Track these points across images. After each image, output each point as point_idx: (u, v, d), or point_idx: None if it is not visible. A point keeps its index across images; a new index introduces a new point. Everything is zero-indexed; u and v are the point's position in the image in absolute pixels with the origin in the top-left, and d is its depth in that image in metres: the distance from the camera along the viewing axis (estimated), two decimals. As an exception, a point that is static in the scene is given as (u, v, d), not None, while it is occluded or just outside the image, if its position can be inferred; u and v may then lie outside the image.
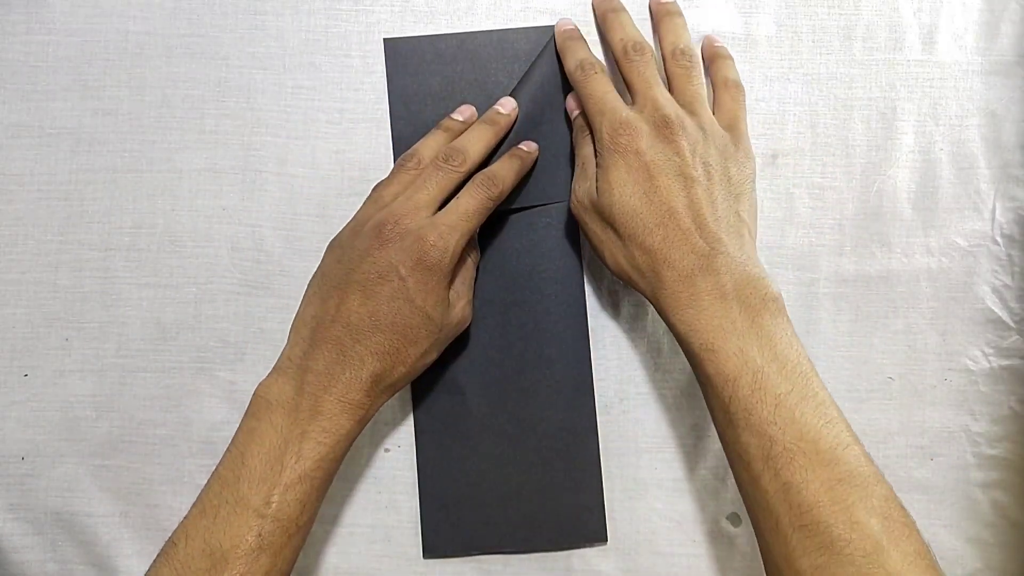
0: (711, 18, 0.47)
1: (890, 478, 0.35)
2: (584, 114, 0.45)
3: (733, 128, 0.44)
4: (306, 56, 0.47)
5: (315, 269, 0.42)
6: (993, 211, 0.47)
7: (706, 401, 0.40)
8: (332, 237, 0.42)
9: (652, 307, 0.46)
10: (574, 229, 0.46)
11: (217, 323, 0.46)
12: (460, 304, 0.42)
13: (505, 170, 0.43)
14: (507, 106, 0.45)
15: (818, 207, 0.47)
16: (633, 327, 0.47)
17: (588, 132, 0.44)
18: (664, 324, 0.46)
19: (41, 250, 0.46)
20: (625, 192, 0.40)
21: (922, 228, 0.47)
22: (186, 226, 0.46)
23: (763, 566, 0.37)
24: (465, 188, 0.42)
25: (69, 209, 0.46)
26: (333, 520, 0.45)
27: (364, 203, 0.43)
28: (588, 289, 0.47)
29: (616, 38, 0.45)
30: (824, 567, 0.33)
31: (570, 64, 0.45)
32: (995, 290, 0.47)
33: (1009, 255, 0.47)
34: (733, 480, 0.45)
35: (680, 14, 0.46)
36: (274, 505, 0.36)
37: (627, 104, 0.43)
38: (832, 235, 0.47)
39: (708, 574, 0.45)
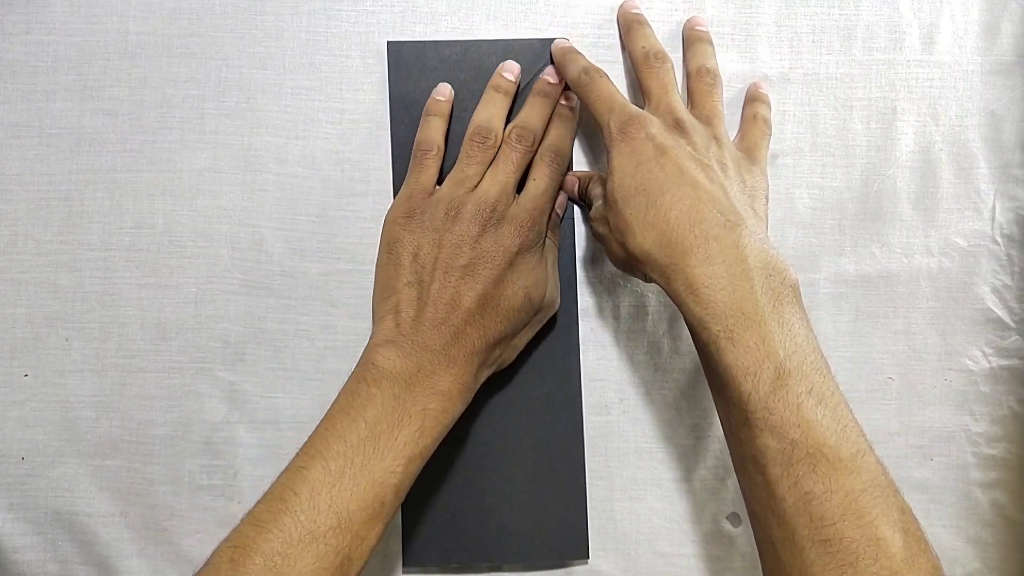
0: (711, 17, 0.47)
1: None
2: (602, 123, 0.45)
3: (751, 153, 0.43)
4: (306, 56, 0.47)
5: (379, 248, 0.43)
6: (993, 211, 0.47)
7: (716, 395, 0.38)
8: (392, 213, 0.43)
9: (651, 307, 0.47)
10: (570, 244, 0.46)
11: (217, 323, 0.46)
12: (550, 284, 0.43)
13: (563, 139, 0.44)
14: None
15: (818, 207, 0.47)
16: (633, 327, 0.47)
17: (599, 184, 0.43)
18: (664, 324, 0.46)
19: (41, 250, 0.46)
20: (627, 171, 0.39)
21: (922, 228, 0.47)
22: (186, 226, 0.46)
23: (763, 574, 0.36)
24: (535, 167, 0.43)
25: (69, 209, 0.46)
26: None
27: (423, 176, 0.43)
28: (587, 290, 0.47)
29: (639, 46, 0.44)
30: None
31: (573, 71, 0.43)
32: (995, 290, 0.47)
33: (1009, 255, 0.47)
34: (733, 480, 0.46)
35: (712, 43, 0.46)
36: (396, 477, 0.36)
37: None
38: (832, 235, 0.47)
39: (708, 574, 0.45)
